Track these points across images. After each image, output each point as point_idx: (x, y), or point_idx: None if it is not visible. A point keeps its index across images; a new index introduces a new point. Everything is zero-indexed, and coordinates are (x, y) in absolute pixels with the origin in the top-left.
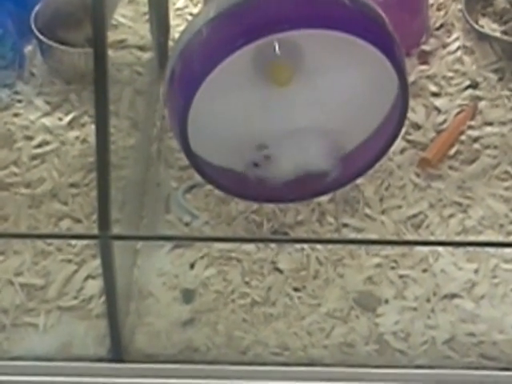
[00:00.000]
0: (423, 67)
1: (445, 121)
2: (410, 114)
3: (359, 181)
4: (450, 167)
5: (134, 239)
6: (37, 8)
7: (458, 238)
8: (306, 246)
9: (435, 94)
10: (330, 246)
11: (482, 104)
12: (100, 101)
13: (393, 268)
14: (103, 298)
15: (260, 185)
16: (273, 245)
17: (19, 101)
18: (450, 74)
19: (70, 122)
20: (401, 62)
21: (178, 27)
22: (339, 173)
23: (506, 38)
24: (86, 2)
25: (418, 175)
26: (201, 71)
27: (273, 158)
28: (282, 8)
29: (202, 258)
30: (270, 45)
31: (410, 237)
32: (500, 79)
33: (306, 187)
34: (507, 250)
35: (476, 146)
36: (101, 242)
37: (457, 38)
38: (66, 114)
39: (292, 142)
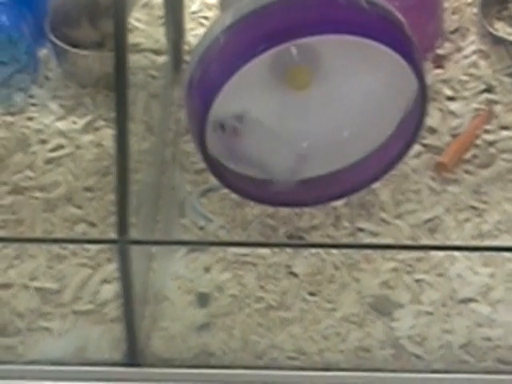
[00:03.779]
0: (438, 71)
1: (460, 125)
2: None
3: (375, 185)
4: (466, 171)
5: (152, 244)
6: (51, 11)
7: (473, 243)
8: (321, 250)
9: (450, 98)
10: (345, 250)
11: (497, 108)
12: (120, 106)
13: (408, 272)
14: (118, 302)
15: (276, 188)
16: (288, 249)
17: (34, 104)
18: (465, 78)
19: (84, 126)
20: (420, 66)
21: (192, 31)
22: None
23: None
24: (100, 5)
25: (433, 179)
26: (220, 77)
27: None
28: (300, 14)
29: (217, 262)
30: (288, 49)
31: (425, 241)
32: None
33: (321, 191)
34: None
35: (492, 150)
36: (119, 246)
37: (472, 42)
38: (81, 117)
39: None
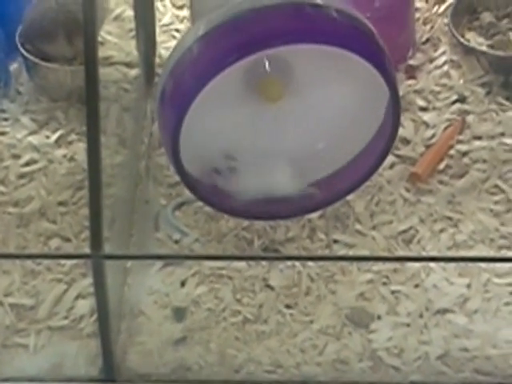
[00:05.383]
0: (410, 82)
1: (433, 135)
2: None
3: (349, 196)
4: (440, 182)
5: (126, 258)
6: (22, 25)
7: (449, 253)
8: (297, 262)
9: (423, 109)
10: (321, 263)
11: (470, 118)
12: (91, 120)
13: (385, 284)
14: (94, 318)
15: (250, 202)
16: (264, 262)
17: (5, 119)
18: (438, 89)
19: (57, 140)
20: (392, 76)
21: (163, 43)
22: (308, 201)
23: (492, 51)
24: (72, 19)
25: (408, 190)
26: (192, 89)
27: (238, 172)
28: (272, 24)
29: (192, 275)
30: (260, 60)
31: (401, 252)
32: (487, 93)
33: (296, 204)
34: (499, 265)
35: (465, 160)
36: (93, 261)
37: (443, 53)
38: (53, 131)
39: (260, 162)
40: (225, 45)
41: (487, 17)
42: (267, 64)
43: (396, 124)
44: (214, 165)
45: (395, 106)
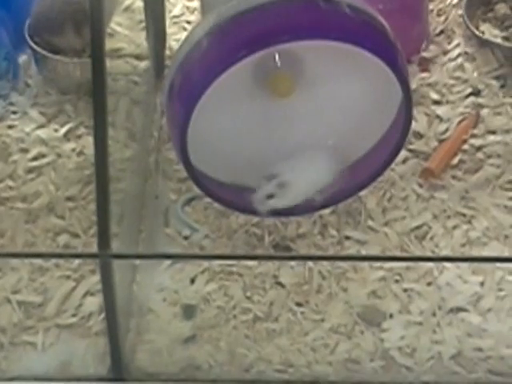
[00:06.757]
0: (424, 75)
1: (447, 129)
2: None
3: (361, 192)
4: (453, 177)
5: (134, 258)
6: (30, 17)
7: (462, 250)
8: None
9: (437, 102)
10: None
11: (484, 112)
12: (99, 113)
13: (397, 281)
14: (102, 315)
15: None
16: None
17: (14, 112)
18: (452, 82)
19: (65, 134)
20: (404, 73)
21: (174, 35)
22: (343, 183)
23: (507, 44)
24: (81, 11)
25: (420, 186)
26: (201, 83)
27: (286, 185)
28: (282, 19)
29: (202, 272)
30: (270, 55)
31: (413, 249)
32: (502, 86)
33: (308, 201)
34: None
35: (479, 155)
36: (101, 260)
37: (457, 45)
38: (62, 125)
39: (301, 163)
40: (235, 39)
41: (502, 8)
42: (277, 59)
43: (408, 120)
44: (267, 192)
45: (407, 104)
